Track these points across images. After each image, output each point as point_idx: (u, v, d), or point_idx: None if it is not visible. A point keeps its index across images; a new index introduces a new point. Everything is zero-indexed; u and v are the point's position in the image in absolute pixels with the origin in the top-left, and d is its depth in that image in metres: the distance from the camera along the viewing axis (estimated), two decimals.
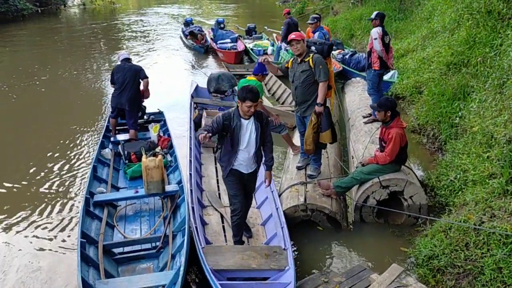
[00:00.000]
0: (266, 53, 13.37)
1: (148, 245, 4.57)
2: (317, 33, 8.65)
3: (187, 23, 18.54)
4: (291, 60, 5.40)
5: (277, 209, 4.90)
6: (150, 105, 7.79)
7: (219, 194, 5.69)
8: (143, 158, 4.99)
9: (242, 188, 4.29)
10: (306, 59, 5.12)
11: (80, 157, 7.25)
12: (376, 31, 6.76)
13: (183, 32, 17.57)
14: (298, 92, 5.30)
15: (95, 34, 20.64)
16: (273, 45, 13.84)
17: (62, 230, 5.22)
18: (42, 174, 6.64)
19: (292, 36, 5.12)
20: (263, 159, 4.35)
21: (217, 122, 4.00)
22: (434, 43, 9.33)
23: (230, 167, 4.17)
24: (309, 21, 8.70)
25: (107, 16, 28.15)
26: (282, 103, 9.45)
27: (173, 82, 11.41)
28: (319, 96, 5.10)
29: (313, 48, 5.27)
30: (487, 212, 4.12)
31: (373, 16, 6.96)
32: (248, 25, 17.42)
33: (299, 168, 5.74)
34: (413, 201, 4.90)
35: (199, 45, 15.53)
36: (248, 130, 4.05)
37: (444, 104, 6.90)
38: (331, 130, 5.31)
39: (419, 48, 10.09)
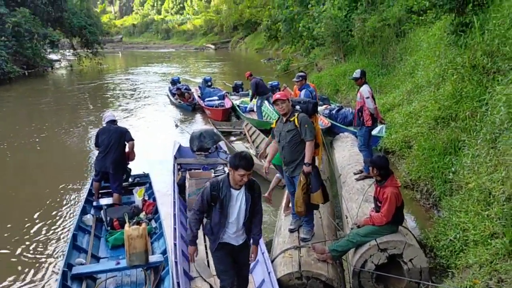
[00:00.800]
0: (253, 110, 13.39)
1: None
2: (303, 91, 8.61)
3: (174, 82, 18.78)
4: (275, 120, 5.30)
5: (269, 273, 4.61)
6: (136, 164, 7.53)
7: (207, 261, 5.35)
8: (126, 227, 4.70)
9: (232, 262, 3.90)
10: (292, 119, 5.01)
11: (63, 218, 6.95)
12: (367, 90, 6.72)
13: (170, 91, 17.72)
14: (285, 152, 5.14)
15: (82, 94, 20.74)
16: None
17: None
18: (20, 238, 6.27)
19: (277, 96, 5.04)
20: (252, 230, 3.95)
21: (205, 195, 3.65)
22: (420, 98, 9.39)
23: (218, 241, 3.79)
24: (294, 79, 8.73)
25: (94, 76, 28.49)
26: None
27: (159, 141, 11.23)
28: (306, 156, 4.94)
29: (297, 107, 5.19)
30: (493, 276, 3.86)
31: (357, 75, 6.86)
32: (235, 82, 17.70)
33: (291, 231, 5.46)
34: (413, 264, 4.62)
35: (186, 103, 15.60)
36: (238, 201, 3.66)
37: (435, 159, 6.79)
38: (322, 190, 5.11)
39: (405, 103, 10.15)
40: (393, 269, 4.78)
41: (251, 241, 3.97)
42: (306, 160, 4.92)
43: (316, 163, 5.23)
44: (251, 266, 4.99)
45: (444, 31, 9.73)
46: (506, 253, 4.02)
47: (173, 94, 16.87)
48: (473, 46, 7.55)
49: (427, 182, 6.87)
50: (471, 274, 4.13)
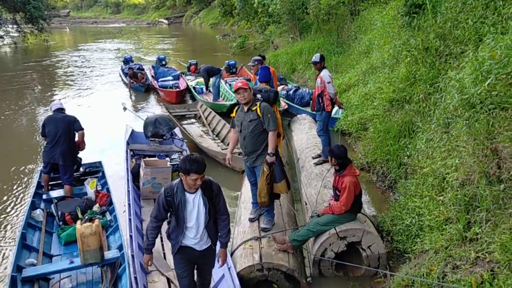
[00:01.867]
0: (210, 91, 13.10)
1: None
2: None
3: (127, 61, 18.07)
4: (236, 109, 5.17)
5: (229, 268, 4.51)
6: (86, 150, 7.04)
7: (164, 254, 5.22)
8: (78, 225, 4.45)
9: (191, 268, 3.77)
10: (253, 108, 4.89)
11: (10, 213, 6.56)
12: (328, 75, 6.65)
13: (123, 70, 17.04)
14: (247, 142, 5.04)
15: (30, 73, 19.59)
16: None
17: None
18: None
19: (238, 84, 4.88)
20: (219, 232, 3.76)
21: (162, 202, 3.46)
22: (375, 79, 9.47)
23: (178, 245, 3.61)
24: (250, 64, 8.49)
25: (42, 54, 27.05)
26: (228, 144, 9.16)
27: (110, 125, 10.78)
28: (269, 146, 4.87)
29: (259, 96, 5.06)
30: (449, 263, 3.96)
31: (317, 59, 6.75)
32: (189, 61, 17.16)
33: (251, 220, 5.41)
34: (371, 251, 4.70)
35: (139, 84, 15.04)
36: (196, 206, 3.45)
37: (390, 142, 6.90)
38: (286, 179, 5.07)
39: (360, 83, 10.22)
40: (352, 255, 4.86)
41: (219, 243, 3.78)
42: (269, 150, 4.85)
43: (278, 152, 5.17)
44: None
45: (397, 12, 9.78)
46: (460, 239, 4.12)
47: (126, 74, 16.22)
48: (426, 28, 7.64)
49: (383, 165, 6.98)
50: (427, 260, 4.23)
